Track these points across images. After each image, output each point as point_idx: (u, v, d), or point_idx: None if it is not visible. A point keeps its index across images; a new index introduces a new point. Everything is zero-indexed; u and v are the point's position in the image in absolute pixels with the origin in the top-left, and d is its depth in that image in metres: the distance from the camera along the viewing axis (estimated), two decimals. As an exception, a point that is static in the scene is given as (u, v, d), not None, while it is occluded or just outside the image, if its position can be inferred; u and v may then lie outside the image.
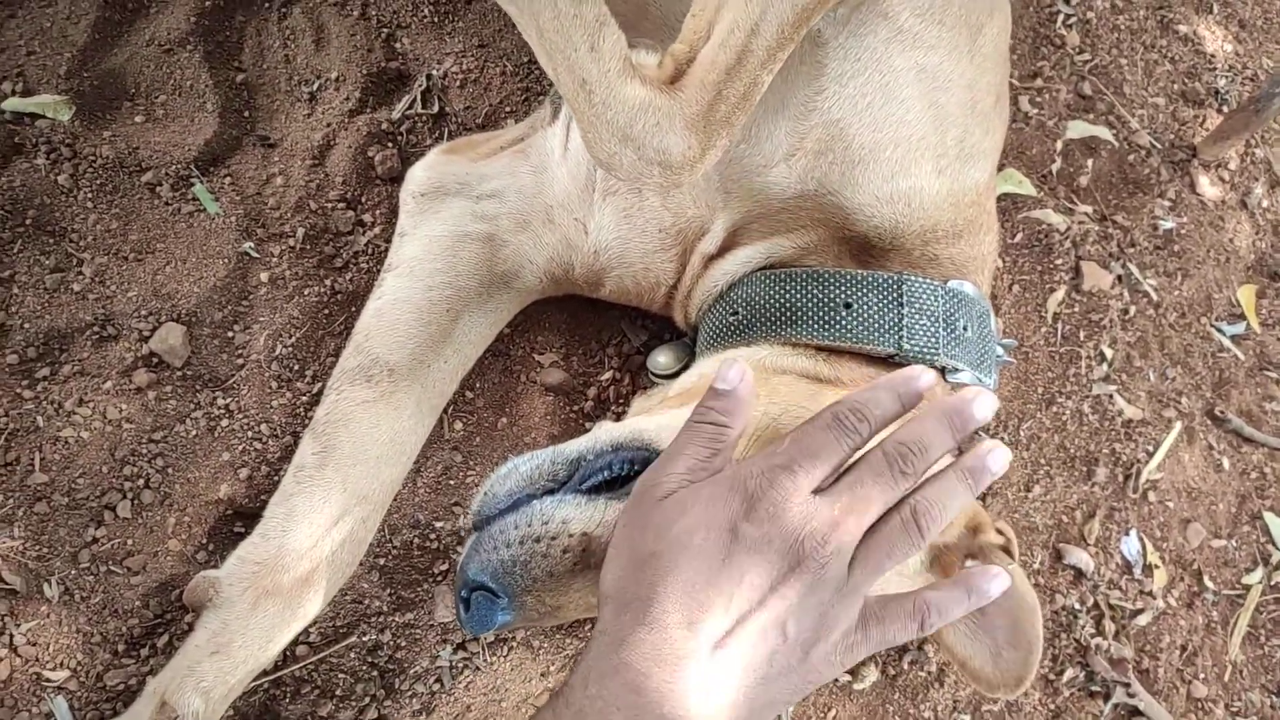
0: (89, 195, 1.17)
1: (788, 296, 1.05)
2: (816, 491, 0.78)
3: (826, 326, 1.02)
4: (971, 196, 1.07)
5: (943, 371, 1.04)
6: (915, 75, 1.00)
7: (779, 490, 0.77)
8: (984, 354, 1.06)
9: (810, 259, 1.08)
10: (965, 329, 1.04)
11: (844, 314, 1.02)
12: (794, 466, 0.78)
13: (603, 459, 0.95)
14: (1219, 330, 1.63)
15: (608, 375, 1.30)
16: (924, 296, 1.02)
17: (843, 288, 1.03)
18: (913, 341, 1.01)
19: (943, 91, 1.01)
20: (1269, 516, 1.53)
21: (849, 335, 1.02)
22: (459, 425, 1.23)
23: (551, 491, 0.93)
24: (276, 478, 1.14)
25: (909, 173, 1.02)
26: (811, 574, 0.75)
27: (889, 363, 1.03)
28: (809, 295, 1.04)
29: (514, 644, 1.18)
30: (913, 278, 1.02)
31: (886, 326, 1.01)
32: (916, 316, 1.02)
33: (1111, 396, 1.52)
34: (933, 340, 1.01)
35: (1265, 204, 1.72)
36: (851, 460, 0.81)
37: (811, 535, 0.75)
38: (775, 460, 0.79)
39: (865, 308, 1.02)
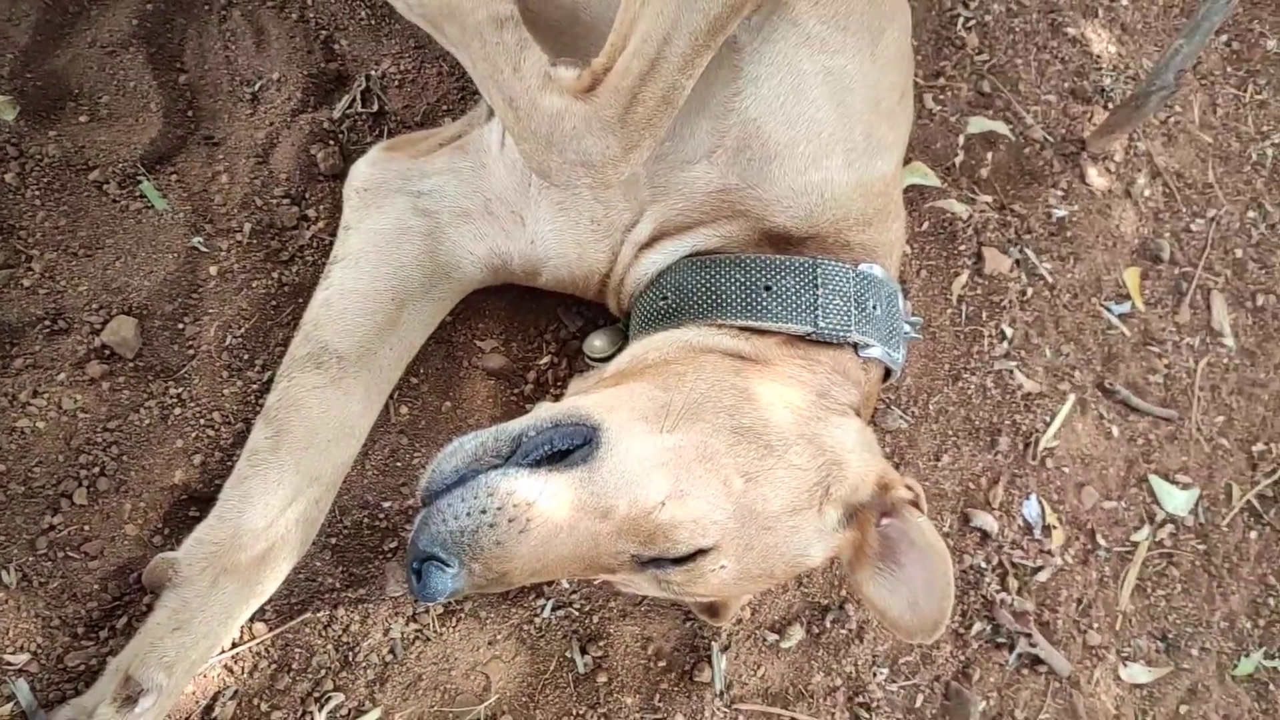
0: (36, 193, 1.17)
1: (713, 281, 1.11)
2: None
3: (749, 308, 1.09)
4: (879, 186, 1.15)
5: (855, 347, 1.12)
6: (823, 77, 1.07)
7: None
8: (892, 330, 1.14)
9: (733, 248, 1.15)
10: (875, 308, 1.11)
11: (765, 296, 1.09)
12: None
13: (544, 435, 1.00)
14: (1107, 309, 1.75)
15: (546, 359, 1.35)
16: (836, 279, 1.10)
17: (763, 272, 1.10)
18: (827, 320, 1.08)
19: (848, 91, 1.09)
20: (1154, 479, 1.64)
21: (770, 315, 1.09)
22: (404, 409, 1.27)
23: (496, 467, 0.98)
24: (230, 463, 1.16)
25: (820, 166, 1.09)
26: None
27: (806, 340, 1.10)
28: (733, 280, 1.11)
29: (462, 615, 1.22)
30: (826, 261, 1.10)
31: (803, 306, 1.09)
32: (830, 297, 1.09)
33: (1012, 372, 1.62)
34: (845, 318, 1.09)
35: (1147, 193, 1.84)
36: None
37: None
38: None
39: (784, 290, 1.09)
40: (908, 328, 1.20)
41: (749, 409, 1.04)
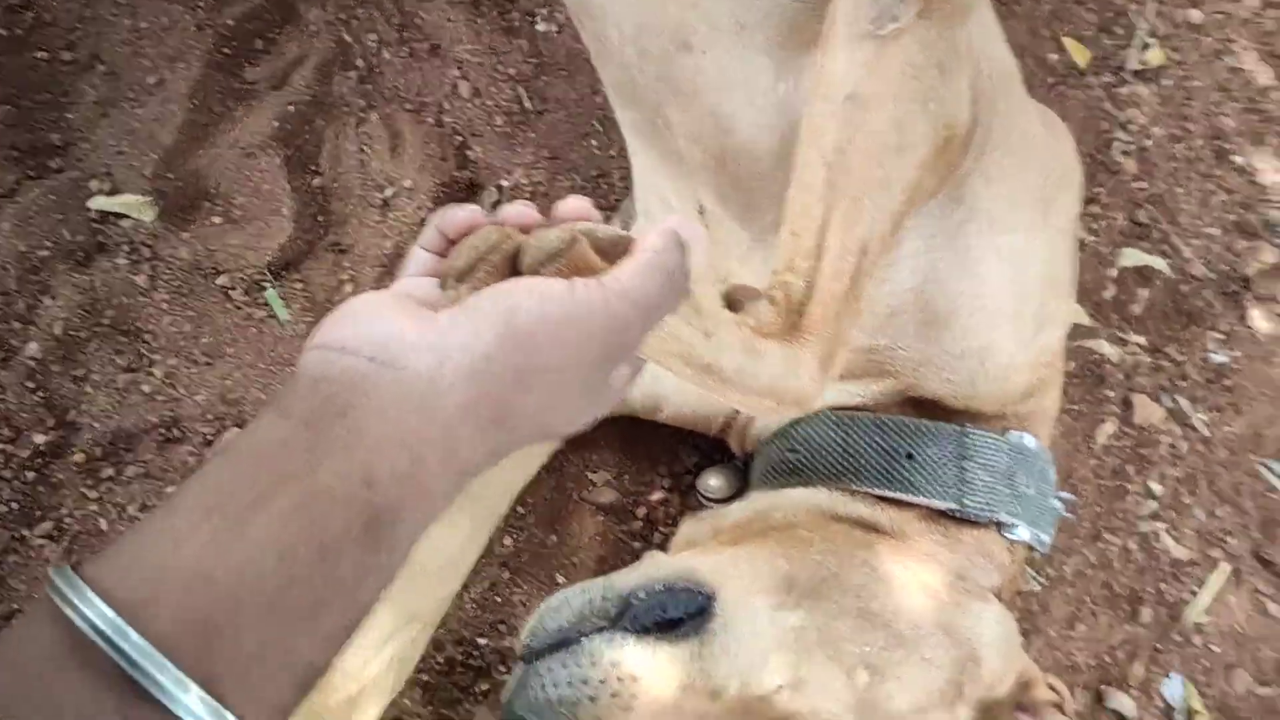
0: (165, 297, 1.15)
1: (850, 442, 1.02)
2: None
3: (887, 478, 0.99)
4: (1046, 358, 1.04)
5: (999, 526, 1.02)
6: (992, 253, 0.98)
7: None
8: (1042, 510, 1.03)
9: (874, 409, 1.06)
10: (1026, 485, 1.01)
11: (905, 465, 0.99)
12: None
13: (655, 598, 0.91)
14: (1268, 468, 1.59)
15: (658, 496, 1.27)
16: (986, 451, 0.99)
17: (905, 438, 1.00)
18: (973, 498, 0.98)
19: (1017, 266, 0.99)
20: (1315, 664, 1.49)
21: (909, 487, 0.99)
22: (508, 541, 1.21)
23: (602, 629, 0.91)
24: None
25: (981, 335, 0.99)
26: None
27: (949, 516, 1.01)
28: (871, 443, 1.01)
29: (551, 769, 1.15)
30: (975, 431, 0.99)
31: (948, 481, 0.98)
32: (978, 471, 0.99)
33: (1158, 534, 1.48)
34: (993, 497, 0.98)
35: (1318, 340, 1.69)
36: None
37: None
38: None
39: (927, 460, 0.99)
40: (1058, 504, 1.10)
41: (880, 590, 0.93)
